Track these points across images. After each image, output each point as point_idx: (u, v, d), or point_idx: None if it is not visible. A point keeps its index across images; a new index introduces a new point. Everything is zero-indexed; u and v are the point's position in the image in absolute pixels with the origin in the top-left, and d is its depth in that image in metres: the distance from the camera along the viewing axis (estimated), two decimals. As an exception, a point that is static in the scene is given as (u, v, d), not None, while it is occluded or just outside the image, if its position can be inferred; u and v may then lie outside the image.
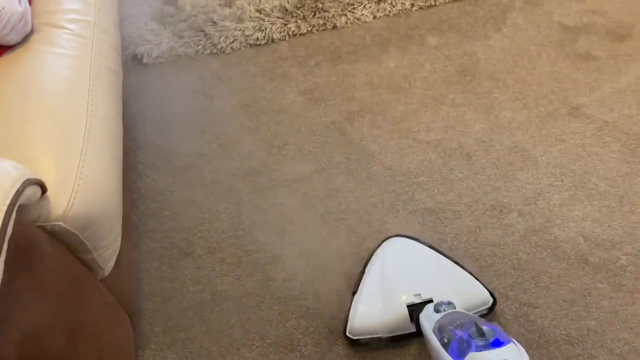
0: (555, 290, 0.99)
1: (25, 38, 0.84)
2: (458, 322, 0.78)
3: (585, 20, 1.43)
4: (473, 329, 0.74)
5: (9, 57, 0.81)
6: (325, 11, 1.47)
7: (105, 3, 0.97)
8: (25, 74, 0.79)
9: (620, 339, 0.93)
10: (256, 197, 1.18)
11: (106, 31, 0.93)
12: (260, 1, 1.49)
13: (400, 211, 1.12)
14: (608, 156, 1.17)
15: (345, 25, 1.47)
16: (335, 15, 1.47)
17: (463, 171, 1.17)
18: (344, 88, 1.35)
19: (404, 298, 0.92)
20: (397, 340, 0.95)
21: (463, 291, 0.93)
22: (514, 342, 0.71)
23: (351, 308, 0.96)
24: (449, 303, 0.87)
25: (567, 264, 1.03)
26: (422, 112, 1.28)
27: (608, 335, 0.93)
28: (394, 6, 1.49)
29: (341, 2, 1.48)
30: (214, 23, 1.45)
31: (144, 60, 1.42)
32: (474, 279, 0.97)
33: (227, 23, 1.45)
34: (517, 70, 1.35)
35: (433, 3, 1.49)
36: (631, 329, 0.94)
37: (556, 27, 1.42)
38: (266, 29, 1.45)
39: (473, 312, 0.92)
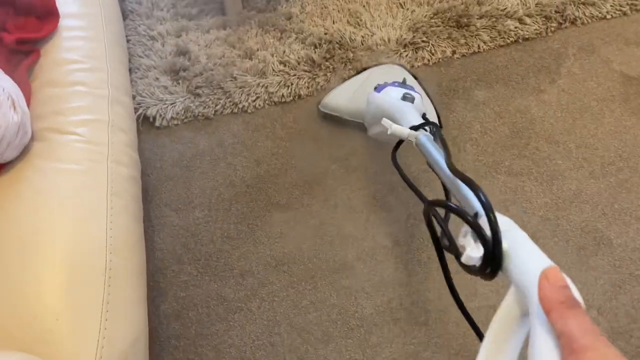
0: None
1: (25, 150, 0.68)
2: (391, 83, 1.06)
3: (649, 69, 1.28)
4: (399, 82, 1.07)
5: (4, 179, 0.65)
6: (357, 61, 1.31)
7: (119, 89, 0.81)
8: (26, 204, 0.63)
9: None
10: (292, 291, 1.03)
11: (123, 128, 0.77)
12: (284, 52, 1.33)
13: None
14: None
15: (380, 77, 1.32)
16: (368, 63, 1.31)
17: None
18: (386, 153, 1.19)
19: (367, 94, 1.10)
20: (355, 126, 1.21)
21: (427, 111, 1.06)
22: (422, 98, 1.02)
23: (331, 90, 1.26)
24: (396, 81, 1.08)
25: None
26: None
27: None
28: (433, 54, 1.33)
29: (374, 51, 1.33)
30: (234, 78, 1.30)
31: (157, 123, 1.26)
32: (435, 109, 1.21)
33: (249, 78, 1.29)
34: (577, 130, 1.20)
35: (477, 49, 1.34)
36: None
37: (617, 78, 1.27)
38: (292, 84, 1.29)
39: None
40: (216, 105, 1.27)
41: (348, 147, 1.21)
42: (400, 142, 0.91)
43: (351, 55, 1.32)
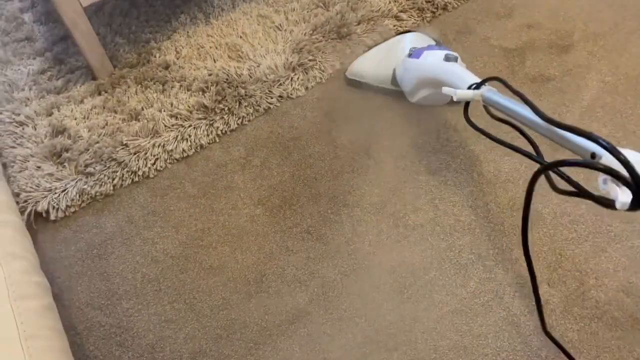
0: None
1: None
2: (423, 47, 1.08)
3: (524, 38, 1.34)
4: (433, 44, 1.09)
5: None
6: (250, 96, 1.26)
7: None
8: None
9: None
10: (252, 359, 0.95)
11: (16, 253, 0.66)
12: (172, 104, 1.25)
13: (425, 322, 0.96)
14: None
15: (278, 106, 1.27)
16: (264, 98, 1.26)
17: (473, 250, 1.03)
18: (304, 184, 1.15)
19: (395, 63, 1.18)
20: (378, 91, 1.25)
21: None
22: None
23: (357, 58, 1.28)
24: (422, 47, 1.10)
25: (622, 330, 0.92)
26: (402, 189, 1.12)
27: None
28: (323, 71, 1.31)
29: (265, 82, 1.28)
30: (125, 145, 1.19)
31: (52, 217, 1.12)
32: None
33: (141, 141, 1.19)
34: (476, 112, 1.23)
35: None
36: None
37: (499, 53, 1.32)
38: (190, 136, 1.21)
39: None
40: (113, 180, 1.16)
41: (266, 187, 1.15)
42: (467, 103, 0.93)
43: (243, 91, 1.26)
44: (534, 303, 0.93)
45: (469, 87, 0.86)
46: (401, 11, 1.37)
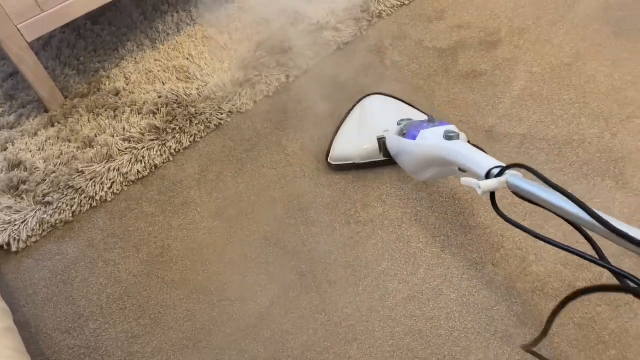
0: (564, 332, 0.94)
1: None
2: (414, 123, 1.03)
3: (456, 37, 1.43)
4: (425, 120, 1.00)
5: None
6: (201, 114, 1.30)
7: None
8: None
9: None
10: (220, 363, 0.99)
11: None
12: (124, 129, 1.28)
13: (381, 311, 1.01)
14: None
15: (228, 122, 1.32)
16: (214, 114, 1.31)
17: (421, 239, 1.09)
18: (259, 193, 1.20)
19: (374, 133, 1.14)
20: (369, 167, 1.19)
21: None
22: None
23: (332, 141, 1.22)
24: (408, 118, 1.10)
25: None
26: (352, 189, 1.18)
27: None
28: (269, 85, 1.36)
29: (214, 99, 1.33)
30: (81, 172, 1.22)
31: (14, 248, 1.14)
32: None
33: (96, 167, 1.23)
34: (418, 110, 1.30)
35: (307, 67, 1.40)
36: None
37: (433, 54, 1.40)
38: (144, 157, 1.25)
39: None
40: (72, 207, 1.19)
41: (222, 199, 1.20)
42: (493, 194, 0.79)
43: (193, 110, 1.31)
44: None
45: (488, 173, 0.77)
46: (339, 22, 1.45)
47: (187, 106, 1.31)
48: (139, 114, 1.31)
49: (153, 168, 1.25)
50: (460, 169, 0.87)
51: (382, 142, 1.13)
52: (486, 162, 0.79)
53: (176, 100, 1.32)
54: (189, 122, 1.29)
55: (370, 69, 1.39)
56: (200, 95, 1.33)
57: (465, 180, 0.79)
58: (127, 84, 1.38)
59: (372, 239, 1.10)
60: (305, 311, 1.03)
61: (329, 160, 1.20)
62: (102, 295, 1.09)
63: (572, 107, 1.25)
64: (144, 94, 1.35)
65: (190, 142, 1.28)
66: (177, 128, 1.28)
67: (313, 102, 1.34)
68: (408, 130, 1.01)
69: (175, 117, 1.29)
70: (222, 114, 1.31)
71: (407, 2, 1.51)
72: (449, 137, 0.90)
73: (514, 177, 0.74)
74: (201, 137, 1.30)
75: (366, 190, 1.18)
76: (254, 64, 1.37)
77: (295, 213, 1.16)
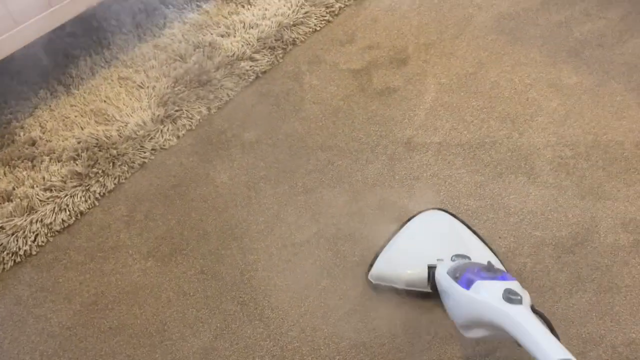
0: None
1: None
2: (471, 265, 0.85)
3: (368, 58, 1.49)
4: (484, 266, 0.83)
5: None
6: (123, 155, 1.28)
7: None
8: None
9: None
10: (168, 405, 0.96)
11: None
12: (44, 178, 1.24)
13: (325, 329, 1.02)
14: (459, 173, 1.23)
15: (153, 159, 1.31)
16: (137, 154, 1.29)
17: (356, 253, 1.12)
18: (191, 227, 1.19)
19: (425, 258, 0.98)
20: (412, 296, 1.03)
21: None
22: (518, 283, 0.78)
23: (378, 254, 1.08)
24: (465, 255, 0.95)
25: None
26: (285, 212, 1.19)
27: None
28: (191, 118, 1.37)
29: (135, 138, 1.31)
30: (1, 228, 1.16)
31: None
32: (497, 258, 1.04)
33: (17, 220, 1.17)
34: (339, 130, 1.34)
35: (227, 98, 1.41)
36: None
37: (348, 75, 1.46)
38: (68, 205, 1.21)
39: None
40: (-7, 265, 1.13)
41: (153, 238, 1.18)
42: None
43: (114, 152, 1.28)
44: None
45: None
46: (255, 52, 1.48)
47: (108, 148, 1.29)
48: (59, 161, 1.27)
49: (78, 215, 1.21)
50: (517, 344, 0.72)
51: (432, 272, 0.96)
52: (554, 352, 0.66)
53: (96, 143, 1.29)
54: (111, 164, 1.27)
55: (290, 94, 1.43)
56: (121, 136, 1.31)
57: None
58: (44, 133, 1.34)
59: (309, 259, 1.12)
60: (249, 340, 1.03)
61: (369, 277, 1.07)
62: (36, 354, 1.04)
63: (480, 112, 1.34)
64: (63, 141, 1.31)
65: (114, 184, 1.25)
66: (100, 172, 1.26)
67: (237, 130, 1.36)
68: (462, 274, 0.84)
69: (97, 160, 1.26)
70: (145, 152, 1.30)
71: (318, 29, 1.57)
72: (509, 299, 0.75)
73: None
74: (126, 178, 1.28)
75: (299, 211, 1.20)
76: (173, 100, 1.37)
77: (230, 243, 1.16)
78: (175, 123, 1.35)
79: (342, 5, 1.62)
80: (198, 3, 1.64)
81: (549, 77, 1.39)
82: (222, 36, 1.52)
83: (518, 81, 1.39)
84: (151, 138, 1.32)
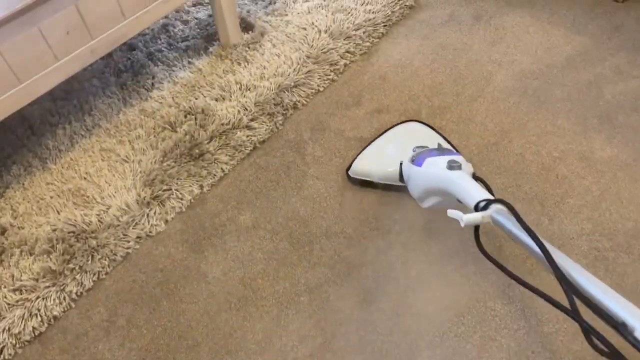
0: None
1: None
2: (426, 150, 1.03)
3: (376, 124, 1.35)
4: (435, 148, 1.03)
5: None
6: (103, 246, 1.14)
7: None
8: None
9: None
10: None
11: None
12: (13, 276, 1.09)
13: None
14: (484, 269, 1.08)
15: (137, 249, 1.17)
16: (119, 244, 1.15)
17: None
18: (179, 336, 1.04)
19: (398, 157, 1.14)
20: (387, 188, 1.21)
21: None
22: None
23: (357, 156, 1.26)
24: (424, 146, 1.09)
25: None
26: (285, 318, 1.05)
27: None
28: (182, 199, 1.22)
29: (118, 225, 1.17)
30: (-39, 341, 1.02)
31: None
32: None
33: (-20, 330, 1.03)
34: (344, 212, 1.20)
35: (222, 174, 1.27)
36: None
37: (355, 145, 1.31)
38: (39, 309, 1.06)
39: None
40: (-49, 388, 0.99)
41: (137, 350, 1.03)
42: (477, 227, 0.84)
43: (94, 242, 1.14)
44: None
45: (477, 205, 0.79)
46: (252, 120, 1.33)
47: (86, 238, 1.14)
48: (31, 254, 1.13)
49: (51, 320, 1.07)
50: (459, 201, 0.85)
51: (402, 166, 1.13)
52: (477, 194, 0.80)
53: (74, 232, 1.15)
54: (90, 257, 1.12)
55: (291, 168, 1.28)
56: (101, 222, 1.17)
57: (451, 212, 0.80)
58: (15, 218, 1.20)
59: (314, 380, 0.97)
60: None
61: (349, 172, 1.23)
62: None
63: (505, 192, 1.19)
64: (36, 229, 1.17)
65: (93, 281, 1.11)
66: (77, 267, 1.11)
67: (232, 213, 1.22)
68: (417, 157, 1.02)
69: (74, 254, 1.12)
70: (129, 242, 1.16)
71: (321, 89, 1.43)
72: (451, 166, 0.91)
73: (498, 213, 0.74)
74: (107, 273, 1.13)
75: (302, 317, 1.05)
76: (162, 177, 1.23)
77: (223, 357, 1.01)
78: (164, 205, 1.21)
79: (348, 62, 1.48)
80: (190, 60, 1.50)
81: (580, 149, 1.25)
82: (217, 100, 1.38)
83: (545, 154, 1.25)
84: (136, 224, 1.18)
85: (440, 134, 1.27)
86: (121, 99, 1.40)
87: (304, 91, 1.40)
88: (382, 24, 1.56)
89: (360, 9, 1.58)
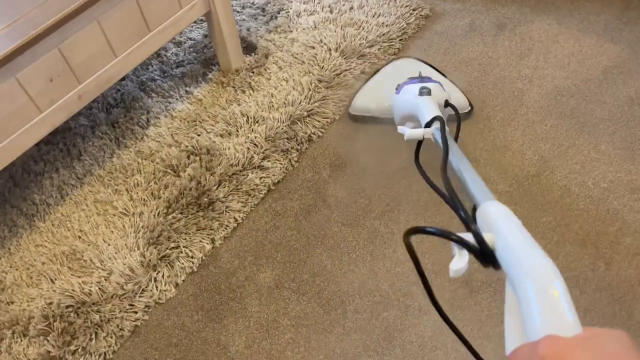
0: None
1: None
2: (407, 80, 1.04)
3: (404, 154, 1.21)
4: (415, 76, 1.06)
5: None
6: (108, 321, 1.00)
7: None
8: None
9: None
10: None
11: None
12: (5, 367, 0.95)
13: None
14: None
15: (147, 320, 1.03)
16: (126, 317, 1.01)
17: None
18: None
19: (394, 92, 1.10)
20: (384, 123, 1.22)
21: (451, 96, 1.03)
22: (441, 85, 1.01)
23: (356, 93, 1.28)
24: (414, 77, 1.07)
25: None
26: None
27: None
28: (192, 257, 1.08)
29: (122, 295, 1.02)
30: None
31: None
32: (461, 92, 1.26)
33: None
34: (378, 264, 1.07)
35: (235, 224, 1.13)
36: None
37: (382, 181, 1.18)
38: (39, 404, 0.92)
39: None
40: None
41: None
42: (419, 143, 0.84)
43: (97, 317, 1.00)
44: None
45: (427, 124, 0.82)
46: (264, 158, 1.19)
47: (88, 312, 1.00)
48: (24, 336, 0.98)
49: (54, 415, 0.93)
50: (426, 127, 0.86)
51: None
52: (429, 114, 0.84)
53: (72, 305, 1.00)
54: (93, 336, 0.98)
55: (312, 213, 1.15)
56: (103, 292, 1.02)
57: (400, 128, 0.89)
58: (2, 291, 1.05)
59: None
60: None
61: (350, 110, 1.26)
62: None
63: (553, 232, 1.07)
64: (28, 304, 1.02)
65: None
66: (80, 349, 0.97)
67: (250, 270, 1.08)
68: (399, 86, 1.05)
69: (74, 333, 0.98)
70: (136, 313, 1.02)
71: (337, 117, 1.29)
72: (421, 92, 0.94)
73: (439, 129, 0.77)
74: (114, 352, 0.99)
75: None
76: (167, 233, 1.09)
77: None
78: (172, 267, 1.07)
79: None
80: (187, 89, 1.34)
81: (629, 179, 1.13)
82: (222, 136, 1.23)
83: (592, 185, 1.13)
84: (143, 291, 1.04)
85: (435, 68, 1.29)
86: (114, 140, 1.25)
87: (318, 121, 1.26)
88: (398, 39, 1.41)
89: (372, 22, 1.43)
